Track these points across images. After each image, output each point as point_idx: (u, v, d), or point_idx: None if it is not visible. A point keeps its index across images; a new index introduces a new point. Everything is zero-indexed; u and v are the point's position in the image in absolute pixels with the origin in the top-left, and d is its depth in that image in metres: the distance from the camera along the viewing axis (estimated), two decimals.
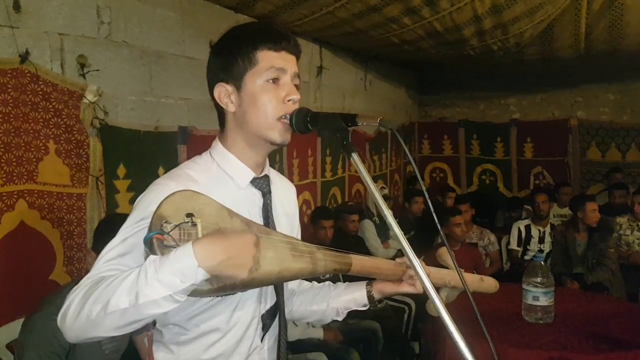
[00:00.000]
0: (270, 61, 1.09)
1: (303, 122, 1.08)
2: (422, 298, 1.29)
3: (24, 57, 2.10)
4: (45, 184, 2.23)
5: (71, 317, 0.93)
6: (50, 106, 2.20)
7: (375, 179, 5.47)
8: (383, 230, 4.30)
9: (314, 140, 4.47)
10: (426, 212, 4.65)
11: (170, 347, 1.13)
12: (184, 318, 1.11)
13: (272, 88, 1.10)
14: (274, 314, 1.20)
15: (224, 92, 1.12)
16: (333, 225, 3.52)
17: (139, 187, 2.69)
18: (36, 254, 2.20)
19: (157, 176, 2.89)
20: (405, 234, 1.02)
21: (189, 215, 0.94)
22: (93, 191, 2.44)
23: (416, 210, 4.76)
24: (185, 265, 0.88)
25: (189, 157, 1.20)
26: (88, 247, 2.39)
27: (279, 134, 1.11)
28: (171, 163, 2.82)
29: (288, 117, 1.09)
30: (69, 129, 2.29)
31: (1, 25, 2.05)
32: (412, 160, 1.35)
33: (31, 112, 2.13)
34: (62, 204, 2.31)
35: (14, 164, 2.08)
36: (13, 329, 1.89)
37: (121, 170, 2.61)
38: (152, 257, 0.90)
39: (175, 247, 0.90)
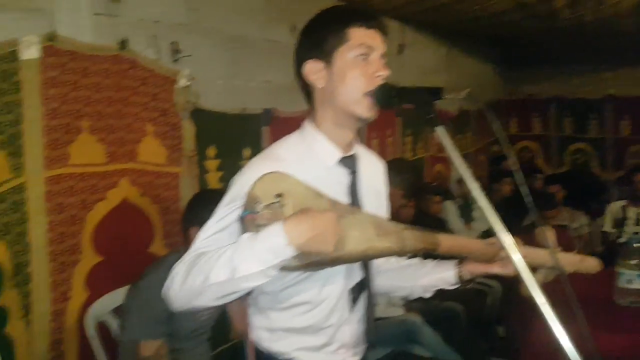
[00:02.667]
0: (361, 38, 1.11)
1: (388, 96, 1.09)
2: (508, 280, 1.26)
3: (123, 44, 2.24)
4: (145, 163, 2.39)
5: (175, 289, 1.03)
6: (148, 91, 2.35)
7: None
8: (466, 212, 4.20)
9: (393, 120, 4.43)
10: (515, 194, 4.48)
11: (265, 313, 1.21)
12: (277, 290, 1.17)
13: (362, 64, 1.11)
14: (362, 288, 1.23)
15: (313, 69, 1.15)
16: (414, 205, 3.48)
17: (227, 167, 2.82)
18: (137, 228, 2.38)
19: (243, 157, 3.02)
20: None
21: (279, 195, 1.00)
22: (186, 170, 2.59)
23: (505, 192, 4.59)
24: (276, 243, 0.95)
25: (272, 138, 1.25)
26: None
27: (366, 109, 1.12)
28: (256, 144, 2.93)
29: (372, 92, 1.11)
30: (165, 112, 2.43)
31: (102, 14, 2.19)
32: (502, 139, 1.30)
33: (131, 96, 2.29)
34: (159, 182, 2.47)
35: (117, 144, 2.25)
36: (118, 296, 2.06)
37: (211, 151, 2.74)
38: (246, 235, 0.98)
39: (266, 226, 0.96)
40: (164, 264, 1.88)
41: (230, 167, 2.82)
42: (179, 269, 1.04)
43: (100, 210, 2.20)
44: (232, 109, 2.84)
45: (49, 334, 2.03)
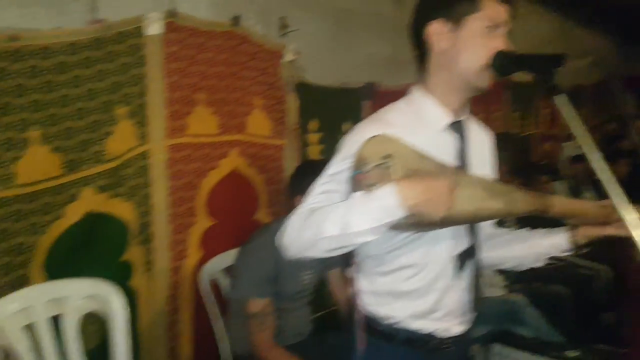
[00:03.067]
0: (493, 11, 1.11)
1: (505, 63, 1.08)
2: (619, 266, 1.19)
3: (236, 21, 2.36)
4: (252, 135, 2.51)
5: (289, 238, 1.11)
6: (257, 65, 2.46)
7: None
8: (576, 193, 3.96)
9: (500, 94, 4.24)
10: (632, 175, 4.13)
11: (371, 277, 1.25)
12: (382, 252, 1.20)
13: (489, 36, 1.11)
14: (469, 255, 1.23)
15: (438, 30, 1.15)
16: (520, 184, 3.34)
17: (327, 140, 2.88)
18: (244, 196, 2.52)
19: (344, 131, 3.05)
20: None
21: (386, 157, 1.03)
22: (289, 143, 2.68)
23: (621, 173, 4.25)
24: (388, 203, 0.99)
25: (372, 113, 1.27)
26: (284, 193, 2.66)
27: (485, 79, 1.13)
28: (356, 118, 2.95)
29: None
30: (271, 86, 2.53)
31: None
32: (627, 113, 1.22)
33: (241, 70, 2.41)
34: (264, 153, 2.59)
35: (228, 117, 2.39)
36: (228, 257, 2.21)
37: (313, 125, 2.82)
38: (359, 193, 1.02)
39: (374, 186, 1.00)
40: (270, 230, 1.99)
41: (331, 141, 2.88)
42: (293, 220, 1.12)
43: (213, 178, 2.36)
44: (334, 82, 2.88)
45: (167, 288, 2.24)
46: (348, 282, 1.33)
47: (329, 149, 2.83)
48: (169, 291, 2.25)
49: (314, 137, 2.83)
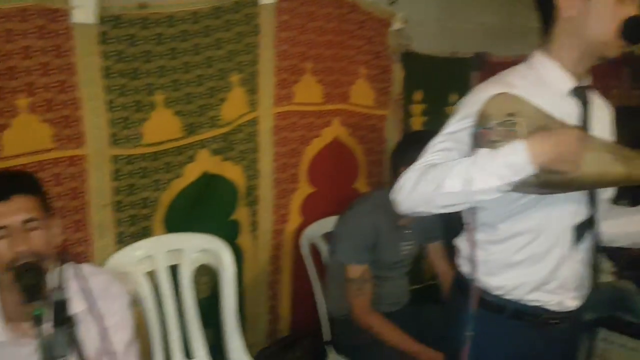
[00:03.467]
0: None
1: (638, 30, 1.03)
2: None
3: None
4: (355, 105, 2.55)
5: (404, 193, 1.13)
6: (364, 34, 2.47)
7: None
8: None
9: (620, 69, 3.92)
10: None
11: (483, 246, 1.25)
12: (498, 218, 1.20)
13: (620, 5, 1.08)
14: (588, 226, 1.20)
15: None
16: None
17: (432, 112, 2.85)
18: (344, 165, 2.58)
19: (449, 102, 2.99)
20: None
21: (510, 114, 1.04)
22: (392, 113, 2.69)
23: None
24: (517, 160, 0.99)
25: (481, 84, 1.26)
26: (385, 163, 2.69)
27: (615, 49, 1.10)
28: (464, 90, 2.85)
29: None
30: (377, 55, 2.54)
31: None
32: None
33: (348, 39, 2.43)
34: (366, 123, 2.62)
35: (333, 86, 2.43)
36: (327, 223, 2.30)
37: (417, 95, 2.80)
38: (484, 149, 1.03)
39: (498, 143, 1.01)
40: (371, 198, 2.04)
41: (435, 113, 2.84)
42: (410, 175, 1.14)
43: (315, 146, 2.44)
44: (441, 52, 2.82)
45: (270, 249, 2.38)
46: (456, 251, 1.34)
47: (433, 122, 2.80)
48: (271, 252, 2.39)
49: (417, 109, 2.80)
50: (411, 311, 2.10)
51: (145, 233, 1.99)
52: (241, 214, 2.26)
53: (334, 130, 2.50)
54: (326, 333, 2.15)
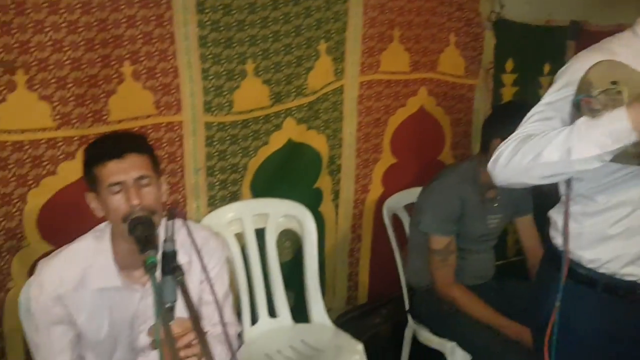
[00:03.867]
0: None
1: None
2: None
3: None
4: (443, 74, 2.51)
5: (502, 164, 1.13)
6: (455, 0, 2.42)
7: None
8: None
9: None
10: None
11: (577, 219, 1.23)
12: (596, 190, 1.18)
13: None
14: None
15: None
16: None
17: (523, 82, 2.75)
18: (429, 136, 2.57)
19: (542, 72, 2.87)
20: None
21: (614, 82, 1.02)
22: (482, 83, 2.63)
23: None
24: (618, 127, 0.97)
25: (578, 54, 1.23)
26: (472, 135, 2.64)
27: None
28: (558, 59, 2.74)
29: None
30: (468, 23, 2.48)
31: None
32: None
33: (438, 6, 2.39)
34: (454, 93, 2.58)
35: (421, 54, 2.41)
36: (409, 195, 2.31)
37: (509, 64, 2.71)
38: (583, 118, 1.02)
39: (600, 111, 0.99)
40: (458, 169, 2.03)
41: (527, 83, 2.75)
42: (506, 146, 1.14)
43: (400, 116, 2.45)
44: (536, 20, 2.70)
45: (350, 218, 2.44)
46: (549, 223, 1.32)
47: (525, 92, 2.71)
48: (352, 221, 2.44)
49: (508, 78, 2.71)
50: (495, 286, 2.09)
51: (234, 197, 2.10)
52: (324, 183, 2.32)
53: (420, 100, 2.48)
54: (405, 302, 2.19)
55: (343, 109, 2.29)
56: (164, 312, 1.07)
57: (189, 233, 1.09)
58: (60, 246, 1.50)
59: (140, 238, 1.14)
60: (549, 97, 1.17)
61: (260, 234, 2.07)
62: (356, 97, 2.29)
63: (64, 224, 1.74)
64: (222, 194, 2.07)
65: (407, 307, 2.18)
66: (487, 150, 1.83)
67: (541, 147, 1.06)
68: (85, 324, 1.32)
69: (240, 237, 2.03)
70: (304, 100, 2.15)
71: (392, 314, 2.43)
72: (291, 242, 2.25)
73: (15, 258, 1.72)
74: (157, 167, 1.33)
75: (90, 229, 1.43)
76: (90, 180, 1.28)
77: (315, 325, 2.06)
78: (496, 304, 1.91)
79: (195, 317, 1.01)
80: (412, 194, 2.26)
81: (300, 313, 2.10)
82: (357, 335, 1.98)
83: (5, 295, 1.72)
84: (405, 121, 2.46)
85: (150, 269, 1.04)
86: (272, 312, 2.07)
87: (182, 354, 1.12)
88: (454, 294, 1.92)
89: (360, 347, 1.88)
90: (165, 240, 1.06)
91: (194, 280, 1.36)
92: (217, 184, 2.06)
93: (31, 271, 1.68)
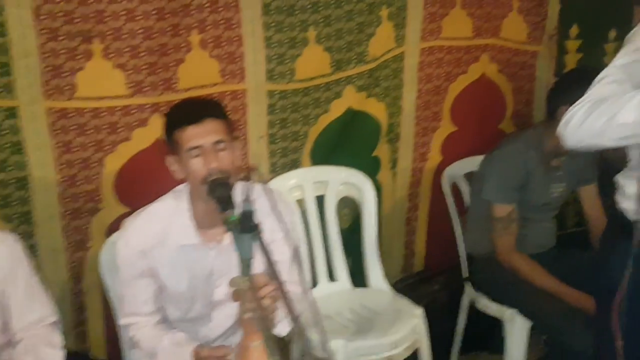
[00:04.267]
0: None
1: None
2: None
3: None
4: (506, 40, 2.47)
5: (574, 126, 1.15)
6: None
7: None
8: None
9: None
10: None
11: None
12: None
13: None
14: None
15: None
16: None
17: (587, 49, 2.66)
18: (490, 104, 2.54)
19: (607, 39, 2.77)
20: None
21: None
22: (545, 50, 2.57)
23: None
24: None
25: None
26: (534, 103, 2.60)
27: None
28: (624, 25, 2.63)
29: None
30: None
31: None
32: None
33: None
34: (517, 59, 2.54)
35: (484, 19, 2.38)
36: (469, 163, 2.32)
37: (574, 30, 2.63)
38: None
39: None
40: (521, 137, 2.02)
41: (592, 50, 2.66)
42: (579, 108, 1.15)
43: (460, 83, 2.43)
44: None
45: (408, 186, 2.46)
46: (617, 188, 1.32)
47: (589, 59, 2.63)
48: (409, 189, 2.47)
49: (573, 45, 2.64)
50: (556, 255, 2.09)
51: (294, 165, 2.16)
52: (382, 151, 2.35)
53: (482, 67, 2.46)
54: (464, 270, 2.22)
55: (403, 76, 2.30)
56: (243, 267, 1.16)
57: (260, 195, 1.15)
58: (134, 209, 1.61)
59: (220, 198, 1.21)
60: (620, 60, 1.17)
61: (319, 201, 2.13)
62: (416, 64, 2.30)
63: (136, 188, 1.85)
64: (283, 161, 2.14)
65: (465, 275, 2.21)
66: (553, 117, 1.81)
67: (617, 109, 1.06)
68: (166, 277, 1.43)
69: (300, 203, 2.11)
70: (365, 67, 2.17)
71: (448, 282, 2.46)
72: (349, 210, 2.30)
73: (94, 219, 1.84)
74: (232, 132, 1.40)
75: (161, 193, 1.52)
76: (170, 143, 1.37)
77: (374, 290, 2.13)
78: (556, 273, 1.92)
79: (273, 271, 1.08)
80: (472, 163, 2.28)
81: (357, 279, 2.17)
82: (413, 301, 2.02)
83: (85, 253, 1.85)
84: (466, 88, 2.45)
85: (230, 226, 1.11)
86: (331, 277, 2.14)
87: (259, 305, 1.20)
88: (515, 261, 1.94)
89: (419, 311, 1.94)
90: (243, 200, 1.13)
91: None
92: (278, 151, 2.12)
93: (108, 232, 1.82)
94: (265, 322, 1.23)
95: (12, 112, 1.63)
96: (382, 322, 1.92)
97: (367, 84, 2.21)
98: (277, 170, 2.13)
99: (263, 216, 1.39)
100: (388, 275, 2.40)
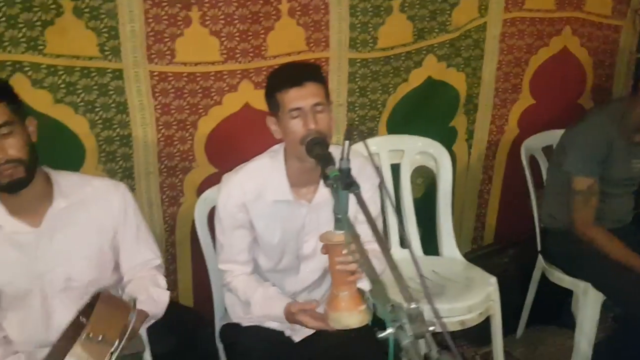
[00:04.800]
0: None
1: None
2: None
3: None
4: (589, 13, 2.44)
5: None
6: None
7: None
8: None
9: None
10: None
11: None
12: None
13: None
14: None
15: None
16: None
17: None
18: (570, 78, 2.53)
19: None
20: None
21: None
22: (629, 25, 2.51)
23: None
24: None
25: None
26: (615, 78, 2.55)
27: None
28: None
29: None
30: None
31: None
32: None
33: None
34: (600, 34, 2.50)
35: None
36: (546, 137, 2.32)
37: None
38: None
39: None
40: (605, 110, 2.02)
41: None
42: None
43: (541, 56, 2.43)
44: None
45: (483, 158, 2.49)
46: None
47: None
48: (484, 162, 2.50)
49: None
50: (633, 230, 2.09)
51: (370, 133, 2.23)
52: (459, 122, 2.39)
53: (564, 40, 2.44)
54: (538, 243, 2.25)
55: (484, 47, 2.31)
56: (337, 222, 1.25)
57: (355, 156, 1.22)
58: (222, 169, 1.72)
59: (319, 156, 1.30)
60: None
61: (394, 169, 2.19)
62: (498, 35, 2.30)
63: (225, 150, 1.98)
64: (360, 129, 2.21)
65: (539, 247, 2.24)
66: (637, 93, 1.81)
67: None
68: (261, 230, 1.55)
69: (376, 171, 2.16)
70: (446, 37, 2.20)
71: (518, 255, 2.50)
72: (423, 179, 2.36)
73: (186, 177, 1.98)
74: (328, 96, 1.48)
75: (246, 156, 1.62)
76: (272, 105, 1.47)
77: (446, 258, 2.19)
78: (633, 248, 1.93)
79: (372, 224, 1.16)
80: (550, 136, 2.28)
81: (427, 249, 2.23)
82: None
83: (177, 209, 2.01)
84: (547, 61, 2.44)
85: (330, 182, 1.19)
86: (404, 244, 2.21)
87: (347, 259, 1.29)
88: (593, 235, 1.95)
89: (493, 279, 1.98)
90: (341, 159, 1.22)
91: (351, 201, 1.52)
92: (356, 119, 2.20)
93: (199, 190, 1.96)
94: (352, 274, 1.32)
95: (118, 74, 1.77)
96: (455, 288, 1.97)
97: (448, 54, 2.24)
98: (354, 138, 2.19)
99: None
100: (458, 246, 2.46)
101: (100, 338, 1.09)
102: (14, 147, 1.26)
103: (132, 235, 1.52)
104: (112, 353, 1.10)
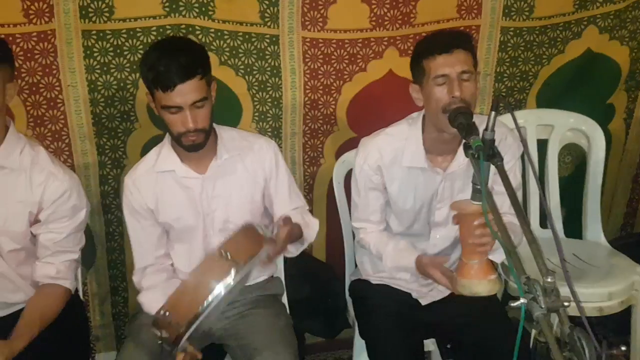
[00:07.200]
0: None
1: None
2: None
3: None
4: None
5: None
6: None
7: None
8: None
9: None
10: None
11: None
12: None
13: None
14: None
15: None
16: None
17: None
18: None
19: None
20: None
21: None
22: None
23: None
24: None
25: None
26: None
27: None
28: None
29: None
30: None
31: None
32: None
33: None
34: None
35: None
36: None
37: None
38: None
39: None
40: None
41: None
42: None
43: None
44: None
45: None
46: None
47: None
48: None
49: None
50: None
51: (517, 105, 2.20)
52: (618, 99, 2.26)
53: None
54: None
55: None
56: (475, 192, 1.28)
57: (499, 126, 1.23)
58: (361, 134, 1.82)
59: (461, 125, 1.34)
60: None
61: (540, 145, 2.13)
62: None
63: (365, 115, 2.08)
64: (507, 100, 2.17)
65: None
66: None
67: None
68: (395, 193, 1.65)
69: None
70: (612, 7, 2.09)
71: None
72: (572, 158, 2.27)
73: (327, 140, 2.13)
74: (476, 65, 1.50)
75: (384, 123, 1.70)
76: (417, 72, 1.53)
77: (589, 242, 2.11)
78: None
79: (512, 196, 1.17)
80: None
81: (569, 231, 2.16)
82: None
83: (317, 169, 2.17)
84: None
85: (472, 152, 1.22)
86: (543, 224, 2.17)
87: (482, 231, 1.33)
88: None
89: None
90: (485, 129, 1.23)
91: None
92: (503, 90, 2.17)
93: (337, 153, 2.09)
94: (483, 246, 1.35)
95: (275, 40, 1.94)
96: (597, 273, 1.93)
97: (612, 26, 2.13)
98: (499, 109, 2.16)
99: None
100: (605, 232, 2.35)
101: (228, 256, 1.26)
102: (203, 119, 1.45)
103: (284, 187, 1.68)
104: (235, 270, 1.24)
